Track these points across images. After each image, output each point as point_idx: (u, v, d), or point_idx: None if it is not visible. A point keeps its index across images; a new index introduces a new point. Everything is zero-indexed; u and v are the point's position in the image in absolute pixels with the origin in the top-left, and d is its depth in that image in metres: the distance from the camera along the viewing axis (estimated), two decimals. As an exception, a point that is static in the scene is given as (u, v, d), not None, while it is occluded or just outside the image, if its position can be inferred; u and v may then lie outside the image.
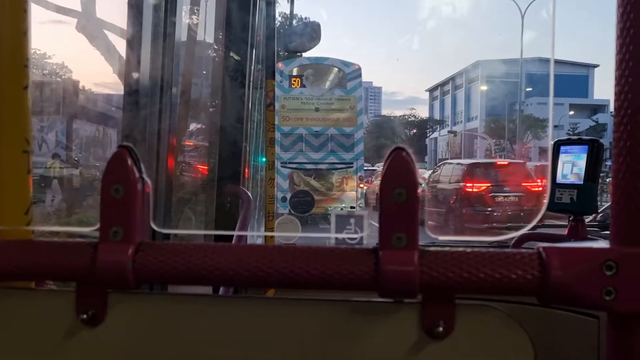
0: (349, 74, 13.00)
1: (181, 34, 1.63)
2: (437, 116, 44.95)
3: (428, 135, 40.61)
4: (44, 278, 0.59)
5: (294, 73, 12.84)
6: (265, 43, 1.85)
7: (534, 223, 1.46)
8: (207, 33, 2.13)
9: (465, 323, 0.51)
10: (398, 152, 0.48)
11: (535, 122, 31.04)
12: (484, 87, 37.75)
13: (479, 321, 0.52)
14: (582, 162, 1.36)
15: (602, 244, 0.51)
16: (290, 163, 11.23)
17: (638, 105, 0.44)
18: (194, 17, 2.02)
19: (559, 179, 1.40)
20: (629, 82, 0.44)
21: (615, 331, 0.49)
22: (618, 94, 0.46)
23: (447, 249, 0.50)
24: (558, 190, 1.39)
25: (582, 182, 1.34)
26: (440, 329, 0.51)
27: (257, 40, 1.89)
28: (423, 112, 44.96)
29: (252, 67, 1.82)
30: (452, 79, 43.73)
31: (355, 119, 12.22)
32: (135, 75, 1.49)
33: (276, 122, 9.42)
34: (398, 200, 0.47)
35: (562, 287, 0.47)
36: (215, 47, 2.10)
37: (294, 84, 12.58)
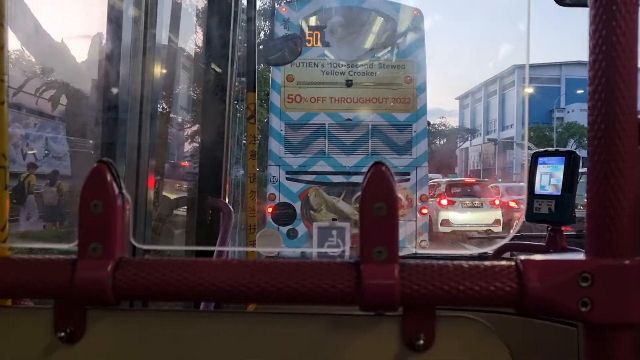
0: (404, 24, 11.04)
1: (161, 48, 2.54)
2: (467, 125, 58.02)
3: (459, 145, 52.52)
4: (22, 296, 0.94)
5: (311, 23, 11.10)
6: (247, 56, 2.84)
7: (512, 235, 2.46)
8: (188, 47, 3.40)
9: (445, 335, 0.87)
10: (377, 166, 0.84)
11: (580, 129, 40.50)
12: (526, 92, 47.57)
13: (459, 333, 0.88)
14: (559, 173, 2.19)
15: (579, 255, 0.82)
16: (302, 174, 10.77)
17: (611, 120, 0.77)
18: (174, 32, 3.01)
19: (537, 190, 2.24)
20: (602, 97, 0.77)
21: (591, 342, 0.81)
22: (591, 109, 0.79)
23: (427, 262, 0.84)
24: (536, 200, 2.23)
25: (559, 193, 2.18)
26: (421, 341, 0.86)
27: (237, 54, 2.85)
28: (452, 122, 57.44)
29: (233, 80, 2.84)
30: (485, 85, 55.95)
31: (413, 100, 10.84)
32: (114, 90, 2.29)
33: (278, 105, 9.70)
34: (378, 214, 0.82)
35: (539, 298, 0.80)
36: (196, 61, 3.14)
37: (309, 41, 10.95)
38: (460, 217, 17.03)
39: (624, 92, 0.79)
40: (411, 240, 10.51)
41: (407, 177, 10.84)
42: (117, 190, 0.87)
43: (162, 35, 2.55)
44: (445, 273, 0.84)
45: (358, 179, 10.33)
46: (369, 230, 0.85)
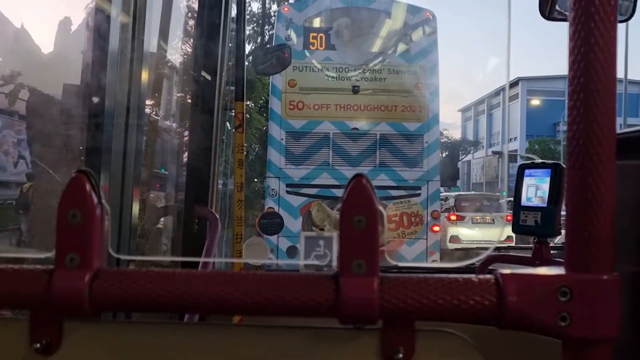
0: (416, 26, 11.04)
1: (149, 54, 2.71)
2: (470, 137, 61.05)
3: (461, 157, 54.78)
4: None
5: (315, 25, 11.13)
6: (235, 64, 3.09)
7: (494, 246, 2.68)
8: (177, 54, 3.67)
9: (425, 349, 0.93)
10: (358, 179, 0.90)
11: None
12: (527, 105, 50.77)
13: (438, 347, 0.95)
14: (545, 186, 2.37)
15: (558, 269, 0.88)
16: (304, 186, 10.74)
17: (589, 135, 0.84)
18: (163, 39, 3.20)
19: (524, 201, 2.42)
20: (581, 113, 0.84)
21: (570, 357, 0.88)
22: (570, 125, 0.86)
23: (407, 275, 0.90)
24: (523, 212, 2.41)
25: (545, 205, 2.34)
26: (401, 355, 0.92)
27: (229, 63, 3.04)
28: (454, 134, 59.78)
29: (222, 89, 3.02)
30: (488, 97, 58.58)
31: (425, 108, 10.81)
32: (100, 94, 2.42)
33: (279, 113, 9.85)
34: (358, 227, 0.88)
35: (518, 313, 0.86)
36: (185, 68, 3.39)
37: (313, 44, 10.96)
38: (470, 233, 16.90)
39: (602, 109, 0.85)
40: (421, 261, 10.37)
41: (418, 191, 10.76)
42: (96, 200, 0.92)
43: (150, 41, 2.74)
44: (425, 287, 0.89)
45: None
46: (349, 243, 0.90)
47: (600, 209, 0.86)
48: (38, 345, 0.95)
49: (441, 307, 0.89)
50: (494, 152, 52.65)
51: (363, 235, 0.90)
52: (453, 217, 17.31)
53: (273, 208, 10.53)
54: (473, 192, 24.95)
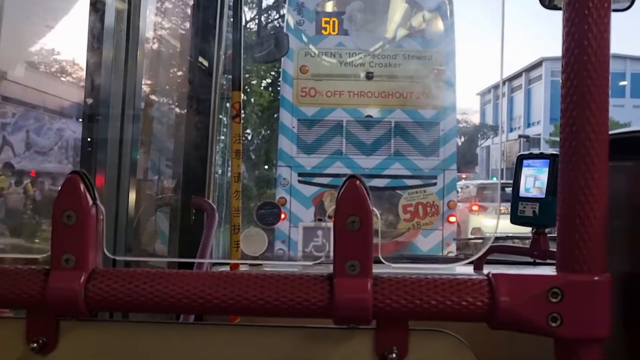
0: (432, 9, 10.84)
1: (145, 42, 2.78)
2: (489, 122, 60.45)
3: (480, 143, 54.79)
4: None
5: (327, 9, 11.06)
6: (232, 52, 3.10)
7: (493, 236, 2.75)
8: (173, 42, 3.74)
9: (418, 348, 0.99)
10: (352, 180, 0.94)
11: (613, 125, 47.55)
12: (552, 87, 49.26)
13: (431, 346, 1.00)
14: (544, 176, 2.43)
15: (550, 270, 0.94)
16: (316, 176, 10.63)
17: (582, 138, 0.88)
18: (159, 26, 3.33)
19: (522, 192, 2.49)
20: (573, 115, 0.89)
21: (562, 356, 0.93)
22: (563, 126, 0.91)
23: (400, 276, 0.95)
24: (521, 203, 2.48)
25: (543, 196, 2.41)
26: (394, 354, 0.98)
27: (228, 51, 3.13)
28: (473, 119, 59.42)
29: (219, 77, 3.14)
30: (509, 80, 57.05)
31: (441, 95, 10.79)
32: (96, 84, 2.51)
33: (290, 100, 9.88)
34: (352, 228, 0.93)
35: (509, 313, 0.91)
36: (181, 56, 3.43)
37: (325, 29, 10.83)
38: (494, 225, 16.55)
39: (595, 112, 0.89)
40: (436, 252, 10.40)
41: (434, 181, 10.72)
42: (90, 201, 0.97)
43: (146, 27, 2.80)
44: (418, 288, 0.94)
45: (379, 182, 10.30)
46: (343, 244, 0.95)
47: (592, 210, 0.90)
48: (35, 344, 0.99)
49: (434, 307, 0.94)
50: (520, 136, 52.07)
51: (357, 236, 0.95)
52: (475, 208, 16.89)
53: (285, 198, 10.53)
54: (496, 180, 24.36)
